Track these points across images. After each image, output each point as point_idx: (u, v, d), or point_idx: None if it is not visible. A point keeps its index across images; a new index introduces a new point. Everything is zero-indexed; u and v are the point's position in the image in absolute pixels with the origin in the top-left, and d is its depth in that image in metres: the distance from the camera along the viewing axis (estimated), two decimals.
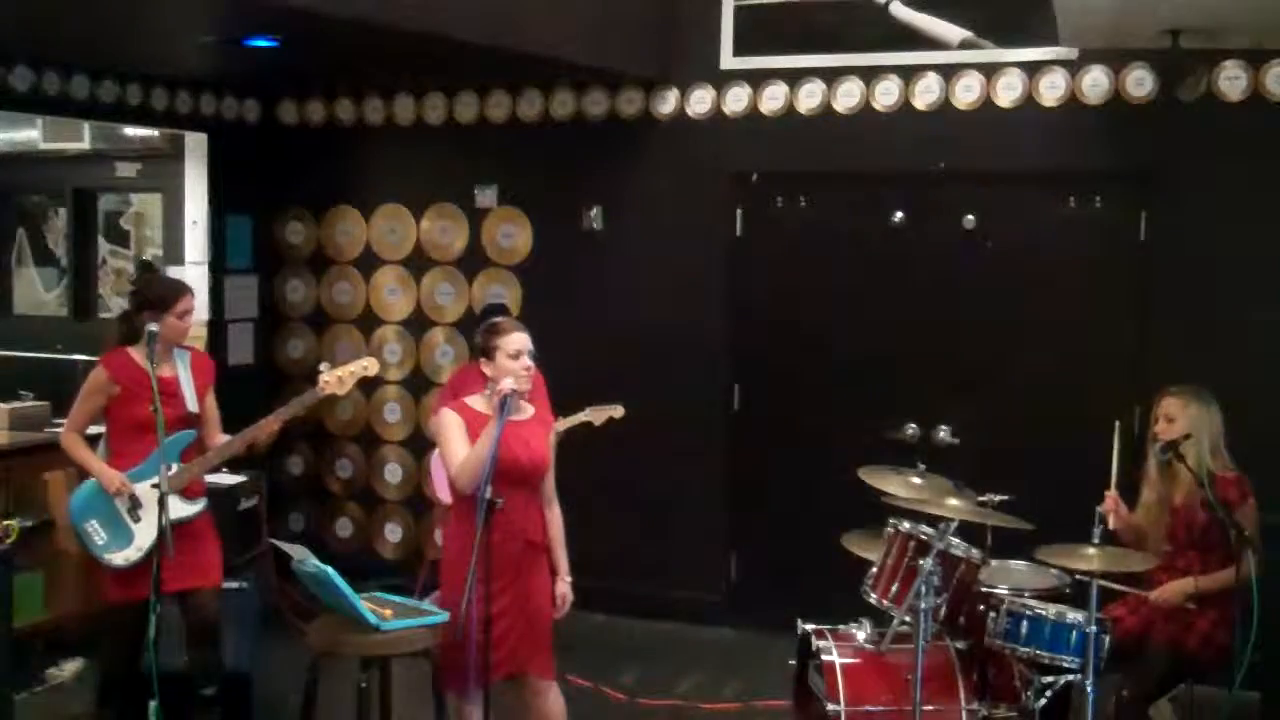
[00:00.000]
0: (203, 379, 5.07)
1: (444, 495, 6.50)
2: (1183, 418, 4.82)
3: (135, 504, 4.83)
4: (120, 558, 4.81)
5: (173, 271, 7.47)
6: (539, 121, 7.22)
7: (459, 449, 4.28)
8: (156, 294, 4.94)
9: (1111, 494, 4.87)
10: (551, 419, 4.60)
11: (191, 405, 4.97)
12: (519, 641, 4.34)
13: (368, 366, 5.00)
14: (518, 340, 4.31)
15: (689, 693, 6.03)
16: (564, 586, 4.48)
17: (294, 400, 5.01)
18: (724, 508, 6.99)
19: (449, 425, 4.35)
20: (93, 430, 5.03)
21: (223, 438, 5.07)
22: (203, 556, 4.97)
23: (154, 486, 4.72)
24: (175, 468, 4.85)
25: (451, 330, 7.54)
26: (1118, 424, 4.88)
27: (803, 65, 6.65)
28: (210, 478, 6.05)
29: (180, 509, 4.84)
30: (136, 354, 4.88)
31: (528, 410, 4.46)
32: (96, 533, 4.83)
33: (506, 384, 4.21)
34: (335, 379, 4.92)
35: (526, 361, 4.29)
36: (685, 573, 7.00)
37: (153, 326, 4.71)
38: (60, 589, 6.15)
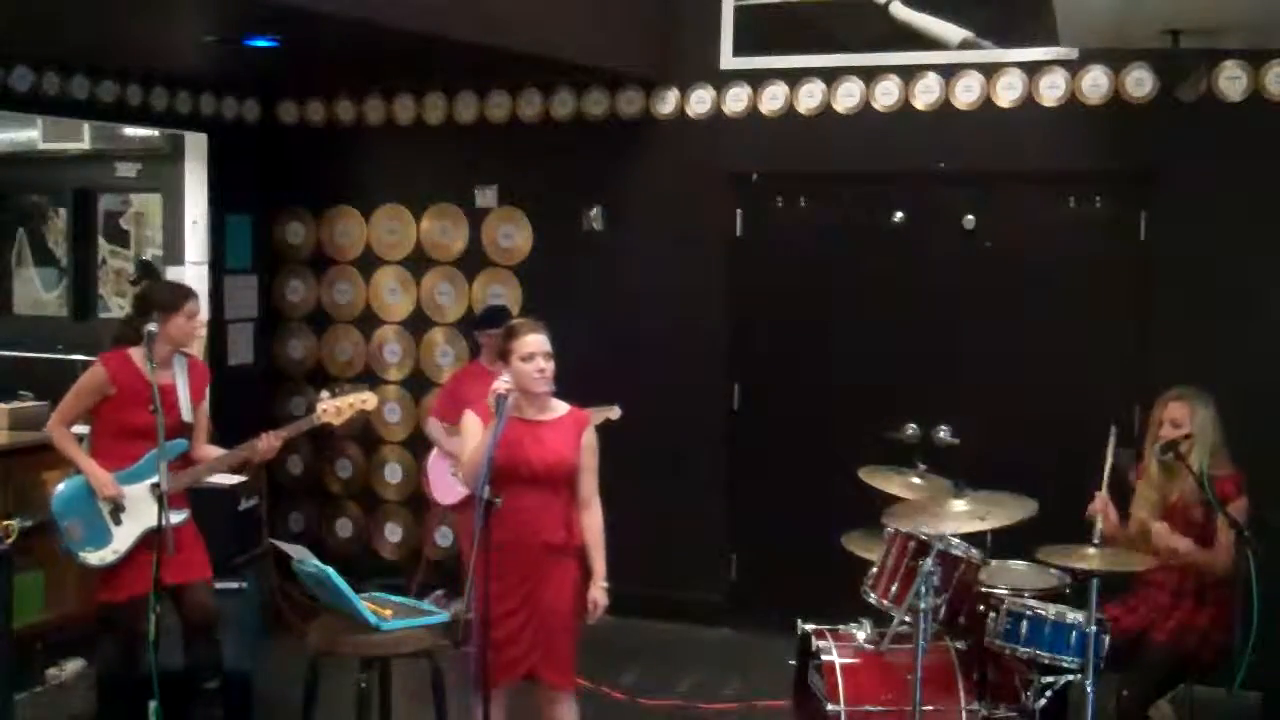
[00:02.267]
0: (198, 387, 5.05)
1: (443, 496, 6.54)
2: (1189, 421, 4.82)
3: (118, 507, 4.83)
4: (95, 558, 4.81)
5: (173, 271, 7.47)
6: (539, 121, 7.22)
7: (470, 448, 4.32)
8: (163, 298, 4.94)
9: (1102, 495, 4.86)
10: (586, 419, 4.46)
11: (187, 415, 4.96)
12: (530, 645, 4.31)
13: (366, 401, 5.06)
14: (530, 343, 4.31)
15: (689, 693, 6.03)
16: (596, 591, 4.38)
17: (289, 425, 5.06)
18: (724, 508, 6.99)
19: (466, 426, 4.42)
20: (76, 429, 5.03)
21: (211, 450, 5.06)
22: (188, 554, 4.95)
23: (153, 488, 4.73)
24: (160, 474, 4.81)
25: (451, 330, 7.54)
26: (1114, 428, 4.87)
27: (803, 65, 6.65)
28: (211, 478, 6.07)
29: (168, 516, 4.83)
30: (136, 356, 4.86)
31: (557, 409, 4.42)
32: (75, 530, 4.82)
33: (501, 384, 4.21)
34: (334, 409, 4.97)
35: (540, 364, 4.29)
36: (685, 573, 7.00)
37: (151, 327, 4.70)
38: (60, 589, 6.15)
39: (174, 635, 5.02)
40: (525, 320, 4.48)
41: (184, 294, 4.98)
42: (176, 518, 4.88)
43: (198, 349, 7.20)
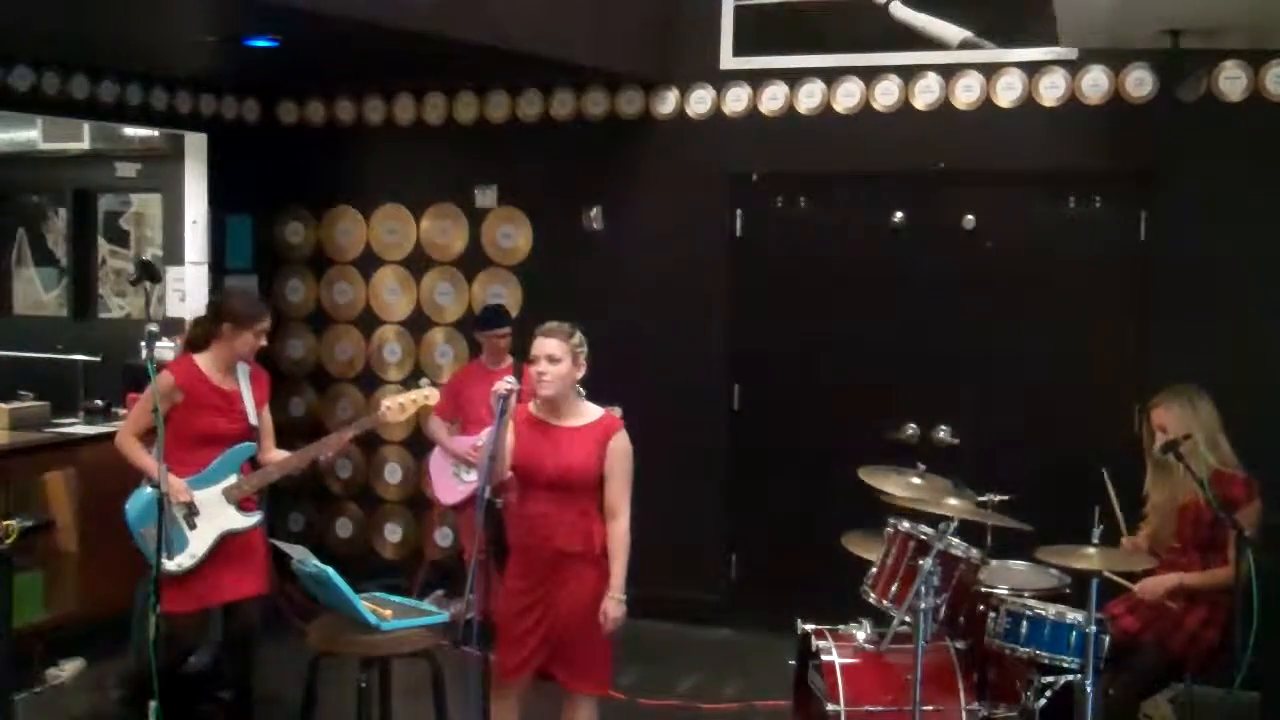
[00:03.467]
0: (260, 392, 5.17)
1: (444, 496, 6.54)
2: (1173, 424, 4.82)
3: (192, 511, 4.89)
4: (173, 564, 4.85)
5: (172, 271, 7.48)
6: (539, 121, 7.22)
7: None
8: (239, 311, 5.04)
9: (1127, 540, 4.89)
10: (614, 426, 4.36)
11: (253, 419, 5.08)
12: (539, 646, 4.30)
13: (429, 396, 5.19)
14: (535, 346, 4.32)
15: (689, 693, 6.03)
16: (608, 602, 4.25)
17: (356, 422, 5.26)
18: (724, 508, 6.99)
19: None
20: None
21: (278, 453, 5.17)
22: (254, 566, 5.08)
23: (226, 491, 4.92)
24: (235, 479, 4.99)
25: (451, 330, 7.54)
26: (1105, 472, 4.88)
27: (803, 65, 6.65)
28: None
29: (236, 521, 4.99)
30: (202, 362, 4.99)
31: (587, 415, 4.38)
32: (151, 538, 4.85)
33: (501, 386, 4.21)
34: (397, 406, 5.08)
35: (540, 367, 4.28)
36: (685, 573, 7.00)
37: (152, 327, 4.72)
38: (60, 589, 6.15)
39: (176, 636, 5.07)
40: (552, 323, 4.40)
41: (259, 313, 5.08)
42: (249, 520, 5.04)
43: None
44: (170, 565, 4.83)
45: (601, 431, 4.33)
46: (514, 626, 4.30)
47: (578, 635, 4.29)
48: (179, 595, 4.85)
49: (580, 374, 4.36)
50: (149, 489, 4.91)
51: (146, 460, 4.94)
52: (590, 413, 4.40)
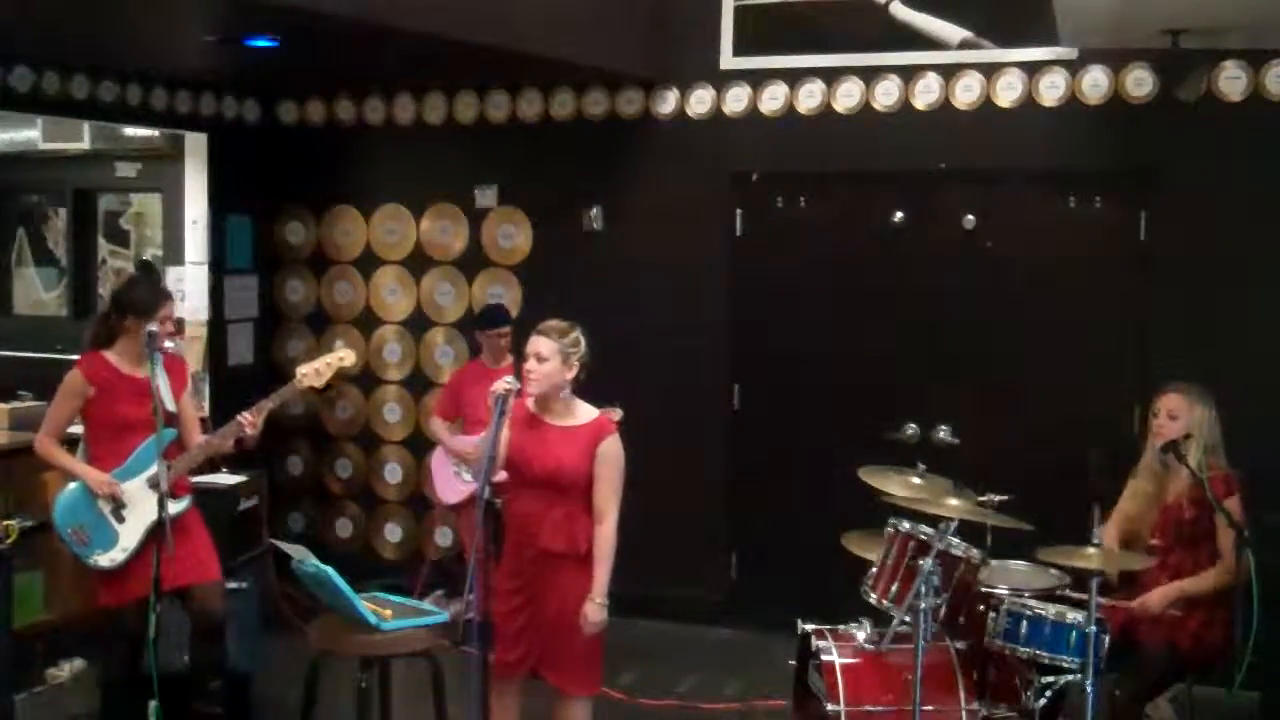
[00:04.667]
0: (178, 379, 5.04)
1: (445, 495, 6.54)
2: (1186, 416, 4.82)
3: (119, 505, 4.83)
4: (106, 559, 4.82)
5: (172, 271, 7.48)
6: (539, 121, 7.22)
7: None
8: (141, 299, 4.89)
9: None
10: (607, 429, 4.35)
11: (170, 405, 4.93)
12: (531, 645, 4.32)
13: (343, 358, 5.00)
14: (528, 343, 4.33)
15: (689, 693, 6.03)
16: (589, 606, 4.23)
17: (272, 394, 4.99)
18: (724, 508, 6.99)
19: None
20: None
21: (203, 438, 5.06)
22: (196, 551, 4.98)
23: (151, 486, 4.75)
24: (156, 466, 4.80)
25: (451, 330, 7.54)
26: (1091, 450, 4.87)
27: (803, 65, 6.65)
28: (210, 478, 6.08)
29: (167, 507, 4.83)
30: (111, 356, 4.91)
31: (579, 415, 4.38)
32: (81, 536, 4.83)
33: (500, 386, 4.21)
34: (312, 371, 4.93)
35: (528, 365, 4.28)
36: (685, 573, 7.00)
37: (152, 327, 4.72)
38: (60, 589, 6.15)
39: (172, 634, 5.04)
40: (545, 322, 4.40)
41: (160, 300, 4.92)
42: (180, 505, 4.91)
43: (196, 350, 7.23)
44: (103, 562, 4.81)
45: (593, 433, 4.33)
46: (506, 626, 4.31)
47: (564, 637, 4.29)
48: (117, 588, 4.81)
49: (570, 375, 4.33)
50: (73, 486, 4.87)
51: (70, 461, 4.92)
52: (585, 414, 4.39)
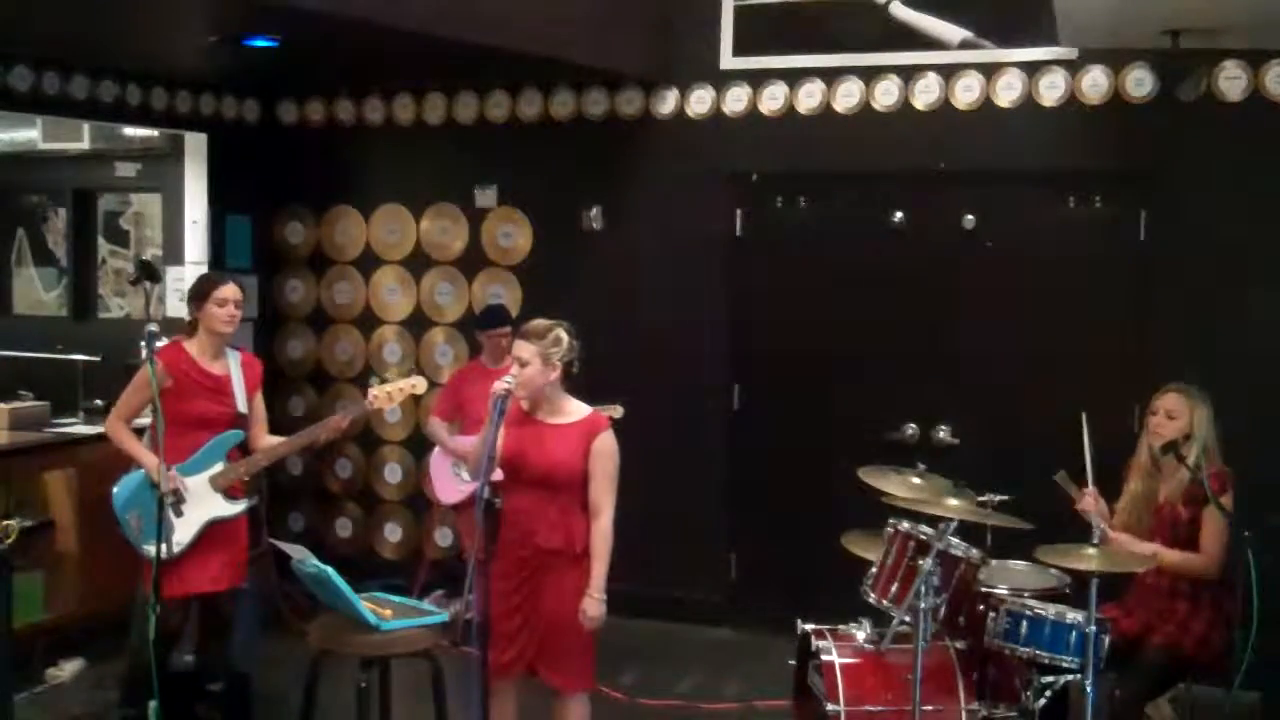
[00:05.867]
0: (252, 380, 5.15)
1: (444, 495, 6.54)
2: (1185, 416, 4.83)
3: (179, 499, 4.86)
4: (161, 551, 4.83)
5: (172, 271, 7.48)
6: (539, 121, 7.22)
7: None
8: (196, 287, 5.06)
9: (1090, 490, 4.85)
10: (600, 425, 4.37)
11: (242, 405, 5.06)
12: (527, 644, 4.33)
13: (416, 386, 5.15)
14: (514, 348, 4.35)
15: (689, 693, 6.03)
16: (587, 601, 4.28)
17: (344, 411, 5.18)
18: (724, 508, 6.99)
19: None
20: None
21: (270, 439, 5.15)
22: (235, 559, 5.07)
23: (212, 479, 4.88)
24: (222, 465, 4.96)
25: (451, 330, 7.54)
26: (1084, 416, 4.85)
27: (802, 65, 6.65)
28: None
29: (222, 508, 4.97)
30: (191, 347, 4.99)
31: (571, 413, 4.39)
32: (137, 524, 4.86)
33: (499, 386, 4.22)
34: (385, 395, 5.07)
35: (513, 369, 4.29)
36: (685, 573, 7.00)
37: (152, 327, 4.72)
38: (60, 589, 6.15)
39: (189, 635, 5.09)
40: (535, 321, 4.41)
41: (212, 282, 5.05)
42: (236, 508, 5.01)
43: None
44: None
45: (587, 430, 4.34)
46: (502, 625, 4.31)
47: (561, 634, 4.31)
48: (165, 581, 4.83)
49: (554, 375, 4.33)
50: (138, 473, 4.91)
51: (136, 447, 4.95)
52: (578, 411, 4.41)
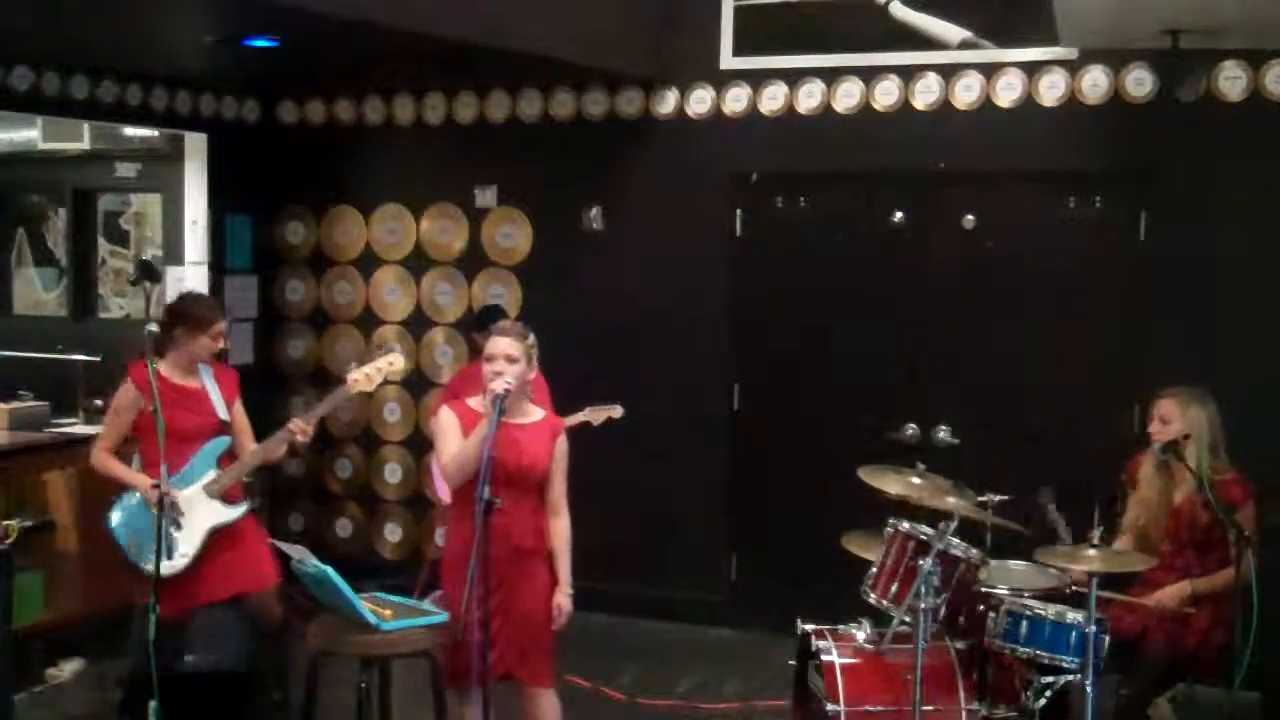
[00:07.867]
0: (229, 389, 5.16)
1: (444, 495, 6.53)
2: (1179, 419, 4.83)
3: (176, 511, 4.87)
4: (167, 566, 4.80)
5: (172, 271, 7.47)
6: (539, 121, 7.22)
7: (450, 446, 4.36)
8: (197, 314, 5.02)
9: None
10: (560, 425, 4.52)
11: (223, 413, 5.07)
12: (507, 645, 4.35)
13: (393, 362, 5.12)
14: (492, 345, 4.34)
15: (689, 693, 6.03)
16: (560, 598, 4.39)
17: (324, 400, 5.13)
18: (724, 508, 6.99)
19: (444, 423, 4.43)
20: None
21: (255, 446, 5.14)
22: (250, 558, 5.05)
23: (205, 487, 4.88)
24: (213, 473, 4.97)
25: (451, 330, 7.54)
26: (1045, 489, 4.83)
27: (802, 65, 6.65)
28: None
29: (222, 514, 4.97)
30: (161, 367, 4.94)
31: (534, 414, 4.46)
32: (138, 546, 4.85)
33: (498, 385, 4.21)
34: (363, 376, 5.03)
35: (498, 366, 4.27)
36: (685, 573, 7.00)
37: (152, 327, 4.72)
38: (60, 589, 6.15)
39: (217, 637, 5.11)
40: (506, 322, 4.52)
41: (215, 316, 5.05)
42: (235, 512, 5.01)
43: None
44: (164, 570, 4.81)
45: (551, 429, 4.45)
46: (482, 631, 4.28)
47: (535, 632, 4.39)
48: (171, 598, 4.81)
49: (533, 375, 4.40)
50: (130, 495, 4.92)
51: (126, 472, 4.97)
52: (535, 411, 4.49)
